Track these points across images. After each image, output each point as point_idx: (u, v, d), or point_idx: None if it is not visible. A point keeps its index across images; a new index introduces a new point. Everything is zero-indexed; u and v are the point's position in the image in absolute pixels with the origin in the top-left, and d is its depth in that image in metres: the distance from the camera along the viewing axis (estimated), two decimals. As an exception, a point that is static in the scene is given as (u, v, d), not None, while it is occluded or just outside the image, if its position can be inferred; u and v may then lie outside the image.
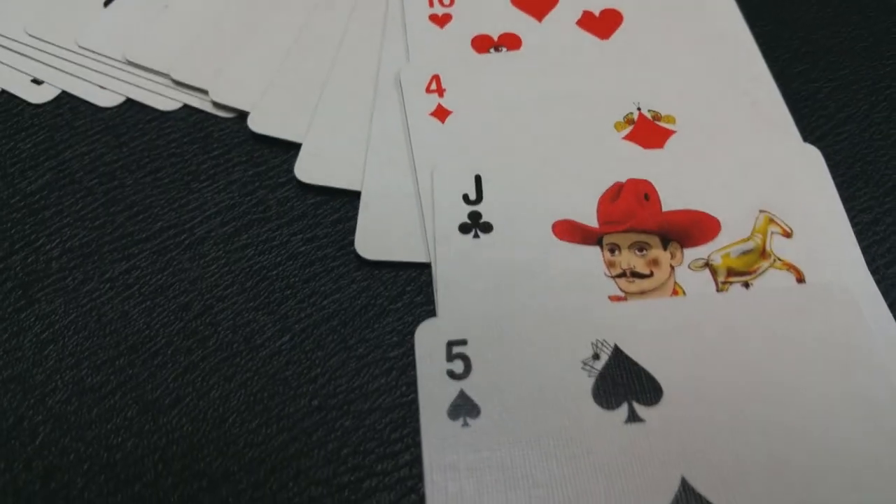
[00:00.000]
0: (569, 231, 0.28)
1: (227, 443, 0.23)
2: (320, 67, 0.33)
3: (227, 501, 0.22)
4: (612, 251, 0.28)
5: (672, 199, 0.29)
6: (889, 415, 0.24)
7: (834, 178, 0.29)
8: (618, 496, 0.22)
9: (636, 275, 0.27)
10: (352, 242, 0.27)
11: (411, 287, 0.27)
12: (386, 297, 0.27)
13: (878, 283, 0.27)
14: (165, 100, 0.33)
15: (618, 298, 0.26)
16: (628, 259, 0.27)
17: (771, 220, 0.28)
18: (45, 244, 0.28)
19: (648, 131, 0.31)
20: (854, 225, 0.28)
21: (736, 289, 0.27)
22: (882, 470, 0.23)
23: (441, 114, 0.32)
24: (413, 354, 0.25)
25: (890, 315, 0.26)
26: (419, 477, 0.23)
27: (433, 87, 0.33)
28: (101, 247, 0.28)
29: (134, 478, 0.23)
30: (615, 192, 0.29)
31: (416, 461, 0.23)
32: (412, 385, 0.25)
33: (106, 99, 0.34)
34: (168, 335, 0.26)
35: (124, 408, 0.24)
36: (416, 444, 0.23)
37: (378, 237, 0.28)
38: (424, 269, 0.27)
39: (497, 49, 0.35)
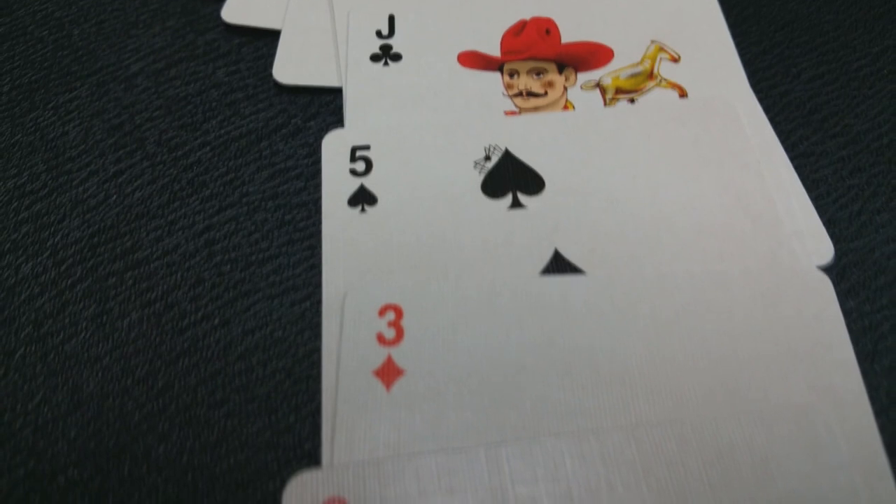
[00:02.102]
0: (472, 59, 0.30)
1: (151, 228, 0.26)
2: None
3: (139, 268, 0.25)
4: (511, 76, 0.30)
5: (572, 33, 0.31)
6: (754, 200, 0.26)
7: (727, 17, 0.31)
8: (499, 262, 0.25)
9: (531, 94, 0.29)
10: (272, 74, 0.30)
11: (325, 110, 0.29)
12: (300, 117, 0.29)
13: (761, 100, 0.29)
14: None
15: (512, 113, 0.29)
16: (525, 82, 0.30)
17: (661, 49, 0.30)
18: (-6, 83, 0.31)
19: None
20: (743, 56, 0.30)
21: (622, 104, 0.29)
22: (715, 234, 0.25)
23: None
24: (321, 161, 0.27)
25: (771, 128, 0.28)
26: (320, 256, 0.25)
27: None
28: (47, 83, 0.31)
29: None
30: (519, 28, 0.31)
31: (320, 244, 0.26)
32: (320, 186, 0.27)
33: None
34: (101, 148, 0.28)
35: (58, 207, 0.27)
36: (320, 232, 0.26)
37: (295, 64, 0.30)
38: (337, 94, 0.30)
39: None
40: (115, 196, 0.27)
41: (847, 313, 0.24)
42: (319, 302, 0.24)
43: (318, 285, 0.25)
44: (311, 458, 0.22)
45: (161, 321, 0.24)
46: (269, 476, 0.22)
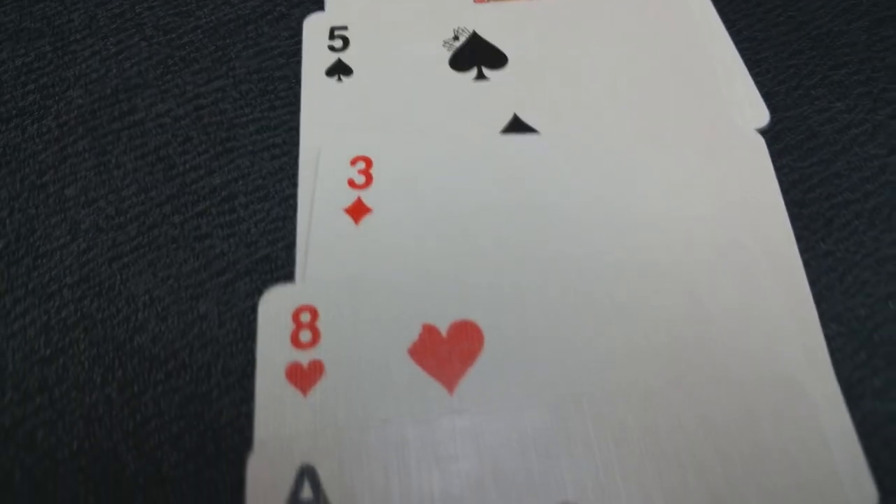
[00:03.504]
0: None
1: (146, 95, 0.28)
2: None
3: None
4: (482, -27, 0.32)
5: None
6: (697, 74, 0.28)
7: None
8: (463, 124, 0.27)
9: (499, -13, 0.32)
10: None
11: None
12: (285, 5, 0.31)
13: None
14: None
15: (482, 1, 0.31)
16: (494, -24, 0.32)
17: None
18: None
19: None
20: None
21: (582, -5, 0.31)
22: (661, 102, 0.27)
23: None
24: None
25: (717, 16, 0.30)
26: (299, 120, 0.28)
27: None
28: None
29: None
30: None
31: (299, 110, 0.28)
32: (301, 63, 0.29)
33: None
34: (104, 32, 0.31)
35: (62, 80, 0.29)
36: (300, 100, 0.28)
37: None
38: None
39: None
40: (114, 70, 0.29)
41: (779, 168, 0.26)
42: (297, 157, 0.27)
43: (296, 144, 0.27)
44: (287, 281, 0.24)
45: (153, 170, 0.27)
46: (248, 294, 0.24)
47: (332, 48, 0.29)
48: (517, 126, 0.27)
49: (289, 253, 0.25)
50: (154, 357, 0.23)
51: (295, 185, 0.26)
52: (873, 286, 0.24)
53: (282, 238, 0.25)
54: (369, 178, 0.26)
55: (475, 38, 0.29)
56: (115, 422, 0.22)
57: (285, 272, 0.24)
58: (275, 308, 0.23)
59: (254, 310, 0.23)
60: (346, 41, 0.29)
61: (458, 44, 0.29)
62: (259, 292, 0.24)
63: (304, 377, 0.22)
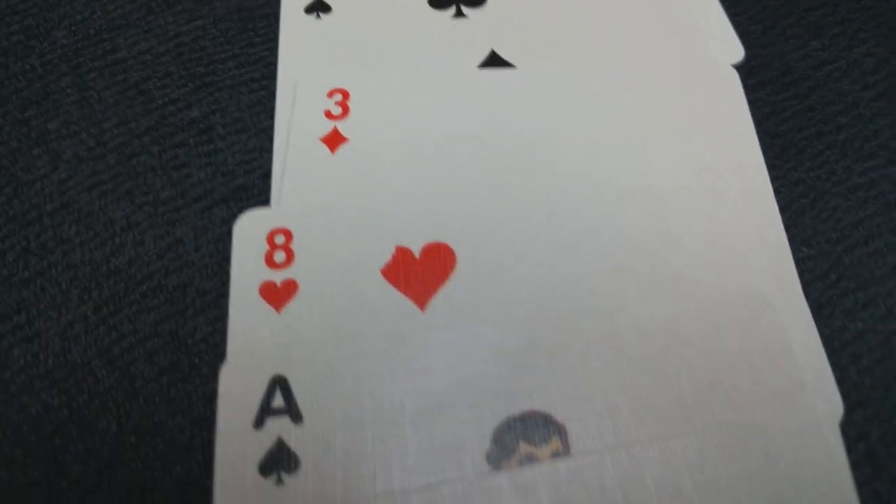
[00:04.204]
0: None
1: (129, 35, 0.29)
2: None
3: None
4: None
5: None
6: (674, 12, 0.28)
7: None
8: (441, 59, 0.27)
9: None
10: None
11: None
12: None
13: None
14: None
15: (461, -53, 0.31)
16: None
17: None
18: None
19: None
20: None
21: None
22: (638, 39, 0.28)
23: None
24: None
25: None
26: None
27: None
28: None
29: None
30: None
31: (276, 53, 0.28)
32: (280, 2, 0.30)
33: None
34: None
35: (47, 21, 0.30)
36: (276, 38, 0.28)
37: None
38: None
39: None
40: (98, 12, 0.30)
41: (753, 102, 0.26)
42: (275, 92, 0.27)
43: (274, 78, 0.27)
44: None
45: (133, 104, 0.27)
46: (224, 220, 0.24)
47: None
48: (494, 61, 0.27)
49: (265, 182, 0.25)
50: (130, 278, 0.23)
51: (272, 118, 0.26)
52: (844, 212, 0.24)
53: (258, 168, 0.25)
54: (346, 110, 0.26)
55: (455, -18, 0.30)
56: (90, 339, 0.22)
57: (261, 200, 0.25)
58: (249, 230, 0.23)
59: (229, 235, 0.24)
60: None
61: (439, -14, 0.29)
62: (235, 218, 0.24)
63: (277, 295, 0.22)
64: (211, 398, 0.21)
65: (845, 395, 0.21)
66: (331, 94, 0.26)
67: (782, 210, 0.24)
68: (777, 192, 0.24)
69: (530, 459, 0.20)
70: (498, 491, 0.19)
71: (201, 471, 0.20)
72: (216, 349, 0.22)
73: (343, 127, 0.26)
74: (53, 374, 0.22)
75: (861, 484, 0.20)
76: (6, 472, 0.20)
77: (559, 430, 0.20)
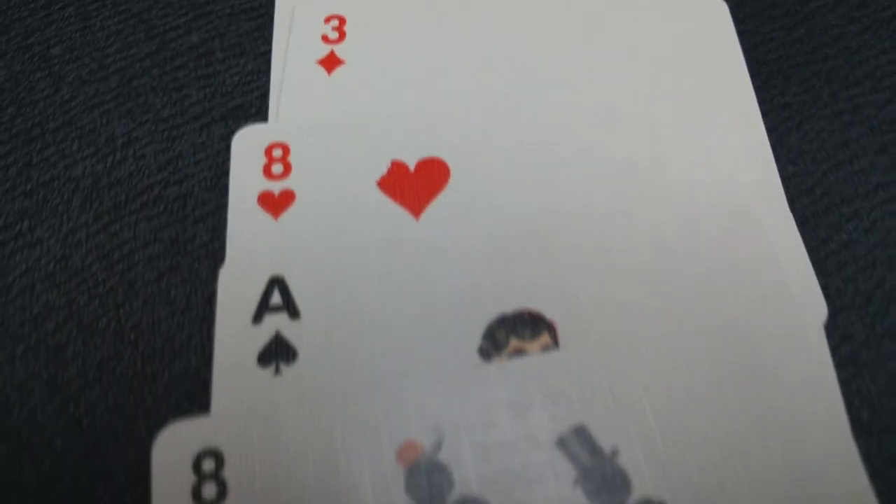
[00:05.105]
0: None
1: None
2: None
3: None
4: None
5: None
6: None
7: None
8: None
9: None
10: None
11: None
12: None
13: None
14: None
15: None
16: None
17: None
18: None
19: None
20: None
21: None
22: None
23: None
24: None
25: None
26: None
27: None
28: None
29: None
30: None
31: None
32: None
33: None
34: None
35: None
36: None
37: None
38: None
39: None
40: (99, -53, 0.30)
41: (742, 32, 0.27)
42: (273, 18, 0.27)
43: (272, 5, 0.28)
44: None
45: (135, 31, 0.27)
46: (222, 137, 0.25)
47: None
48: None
49: (263, 102, 0.25)
50: (131, 189, 0.24)
51: (270, 43, 0.27)
52: (829, 133, 0.25)
53: (256, 89, 0.26)
54: (342, 35, 0.27)
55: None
56: (91, 245, 0.23)
57: (259, 118, 0.25)
58: (248, 143, 0.24)
59: (228, 150, 0.24)
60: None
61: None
62: (234, 135, 0.24)
63: (275, 203, 0.23)
64: (210, 299, 0.22)
65: (830, 301, 0.22)
66: (328, 20, 0.27)
67: (769, 131, 0.25)
68: (764, 115, 0.25)
69: (520, 354, 0.20)
70: (488, 380, 0.20)
71: (201, 365, 0.21)
72: (215, 254, 0.22)
73: (339, 50, 0.26)
74: (54, 277, 0.22)
75: (844, 382, 0.20)
76: (8, 366, 0.21)
77: (549, 327, 0.21)
